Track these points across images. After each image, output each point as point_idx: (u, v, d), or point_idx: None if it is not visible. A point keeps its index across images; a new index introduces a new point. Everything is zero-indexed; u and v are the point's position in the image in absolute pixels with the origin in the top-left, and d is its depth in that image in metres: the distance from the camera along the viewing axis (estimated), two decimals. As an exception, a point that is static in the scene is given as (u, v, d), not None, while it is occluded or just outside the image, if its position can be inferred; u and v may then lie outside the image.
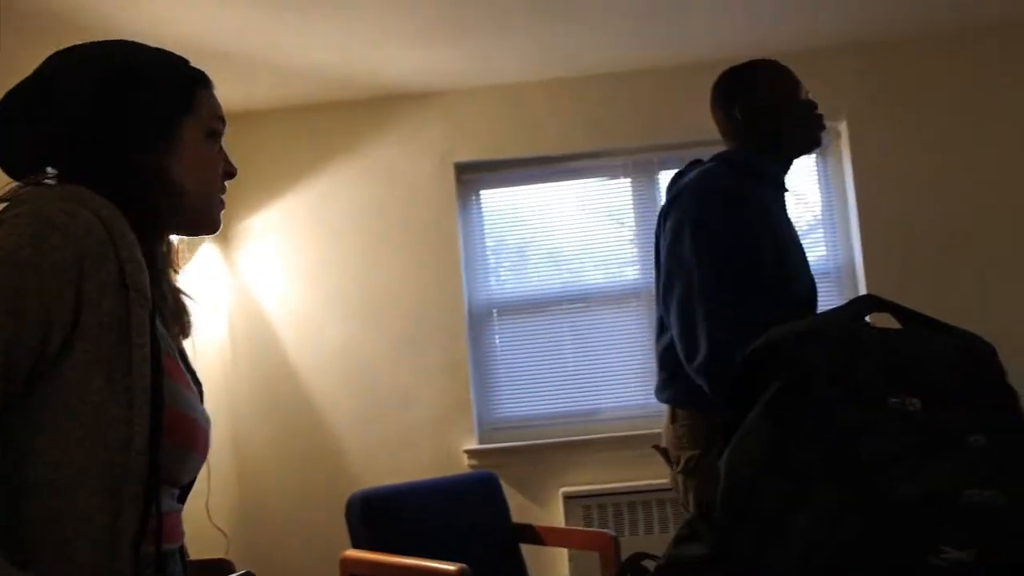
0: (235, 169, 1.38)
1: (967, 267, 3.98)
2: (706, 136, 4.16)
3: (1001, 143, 4.06)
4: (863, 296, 1.44)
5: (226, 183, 1.38)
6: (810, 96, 2.33)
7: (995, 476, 1.19)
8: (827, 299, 4.17)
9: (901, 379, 1.26)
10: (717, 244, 2.13)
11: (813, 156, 4.28)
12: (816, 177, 4.29)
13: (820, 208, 4.26)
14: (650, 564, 1.39)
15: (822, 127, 2.32)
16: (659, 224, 2.33)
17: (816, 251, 4.24)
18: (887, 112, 4.10)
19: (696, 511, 1.31)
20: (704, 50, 4.07)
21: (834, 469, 1.23)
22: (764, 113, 2.29)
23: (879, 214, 4.05)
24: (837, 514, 1.20)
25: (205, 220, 1.36)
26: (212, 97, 1.36)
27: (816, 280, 2.34)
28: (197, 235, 1.39)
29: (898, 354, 1.28)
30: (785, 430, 1.27)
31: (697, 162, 2.37)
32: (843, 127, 4.17)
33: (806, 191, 4.28)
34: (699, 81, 4.14)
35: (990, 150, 4.05)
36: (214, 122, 1.35)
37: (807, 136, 2.32)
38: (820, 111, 2.32)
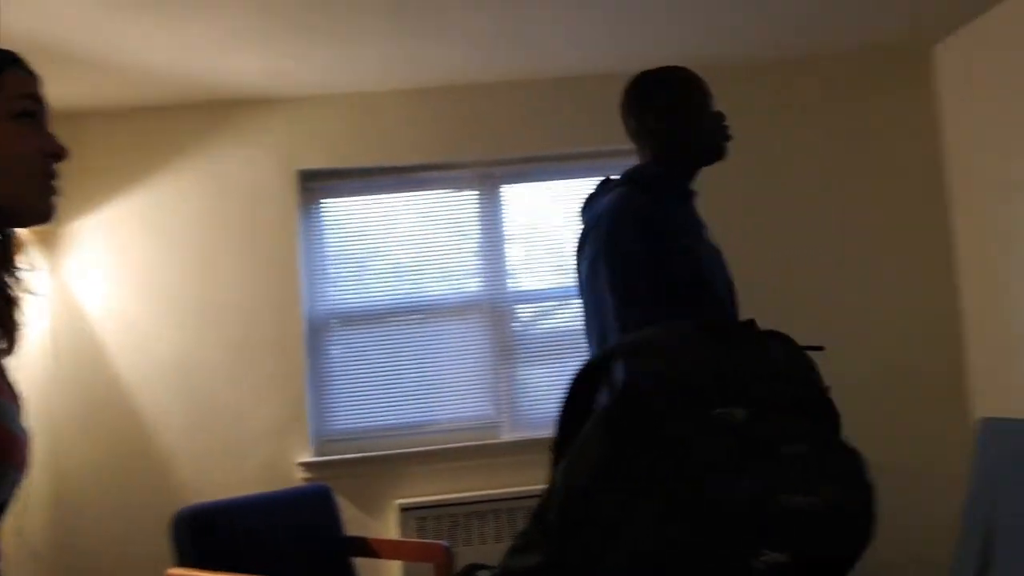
0: (62, 149, 1.27)
1: (801, 277, 4.19)
2: (552, 151, 4.32)
3: (825, 163, 4.30)
4: (687, 318, 1.50)
5: (58, 168, 1.28)
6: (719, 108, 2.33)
7: (810, 483, 1.26)
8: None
9: (727, 391, 1.31)
10: (634, 272, 2.10)
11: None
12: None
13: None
14: (485, 574, 1.39)
15: (729, 139, 2.31)
16: (578, 250, 2.28)
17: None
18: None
19: (532, 521, 1.32)
20: (553, 67, 4.15)
21: (663, 477, 1.26)
22: (678, 121, 2.27)
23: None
24: (665, 521, 1.24)
25: (26, 207, 1.25)
26: (23, 76, 1.27)
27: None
28: (26, 225, 1.28)
29: (726, 367, 1.33)
30: (618, 440, 1.30)
31: (607, 182, 2.33)
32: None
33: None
34: (547, 96, 4.30)
35: (818, 173, 4.29)
36: (24, 102, 1.26)
37: (717, 147, 2.30)
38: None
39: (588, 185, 4.48)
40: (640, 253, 2.09)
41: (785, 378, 1.39)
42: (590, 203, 2.31)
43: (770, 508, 1.22)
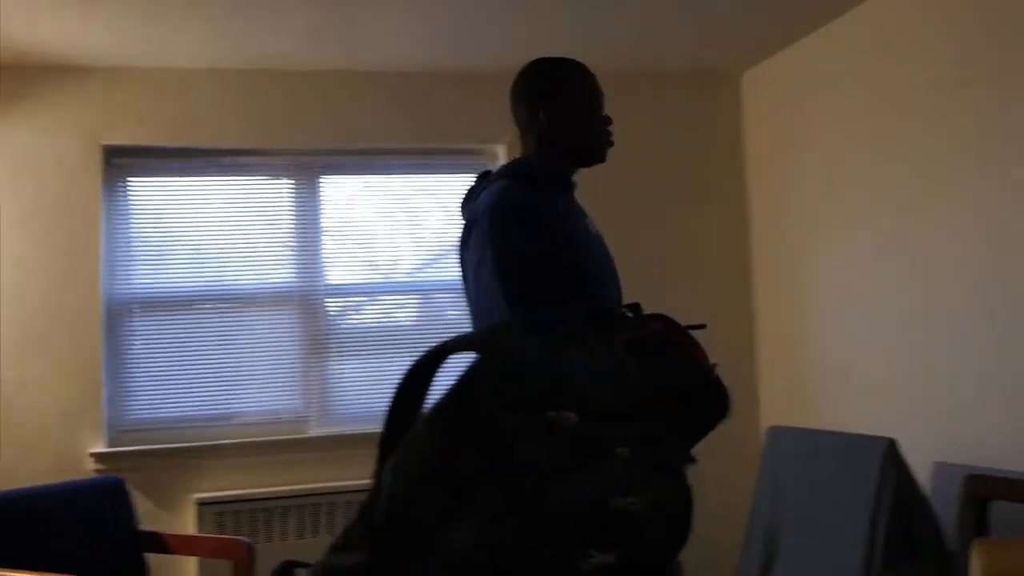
0: None
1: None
2: (373, 145, 4.27)
3: (639, 179, 4.45)
4: (539, 313, 1.51)
5: None
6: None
7: (636, 486, 1.29)
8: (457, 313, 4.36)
9: (560, 394, 1.32)
10: (520, 268, 2.05)
11: (473, 174, 4.45)
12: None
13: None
14: (303, 573, 1.34)
15: (612, 144, 2.27)
16: (461, 246, 2.21)
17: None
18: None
19: (356, 518, 1.29)
20: (377, 60, 4.10)
21: (494, 477, 1.26)
22: (571, 120, 2.21)
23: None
24: (494, 521, 1.23)
25: None
26: None
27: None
28: None
29: (559, 369, 1.34)
30: (451, 438, 1.28)
31: (486, 175, 2.25)
32: (501, 150, 4.37)
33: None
34: (372, 89, 4.25)
35: (632, 185, 4.43)
36: None
37: (601, 152, 2.25)
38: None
39: (405, 181, 4.52)
40: (524, 248, 2.05)
41: (614, 383, 1.42)
42: (470, 198, 2.24)
43: (600, 510, 1.23)
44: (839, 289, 3.89)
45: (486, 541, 1.23)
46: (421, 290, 4.38)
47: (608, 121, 2.25)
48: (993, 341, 3.08)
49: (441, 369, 1.40)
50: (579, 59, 2.30)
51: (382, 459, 1.35)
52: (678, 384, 2.00)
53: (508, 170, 2.21)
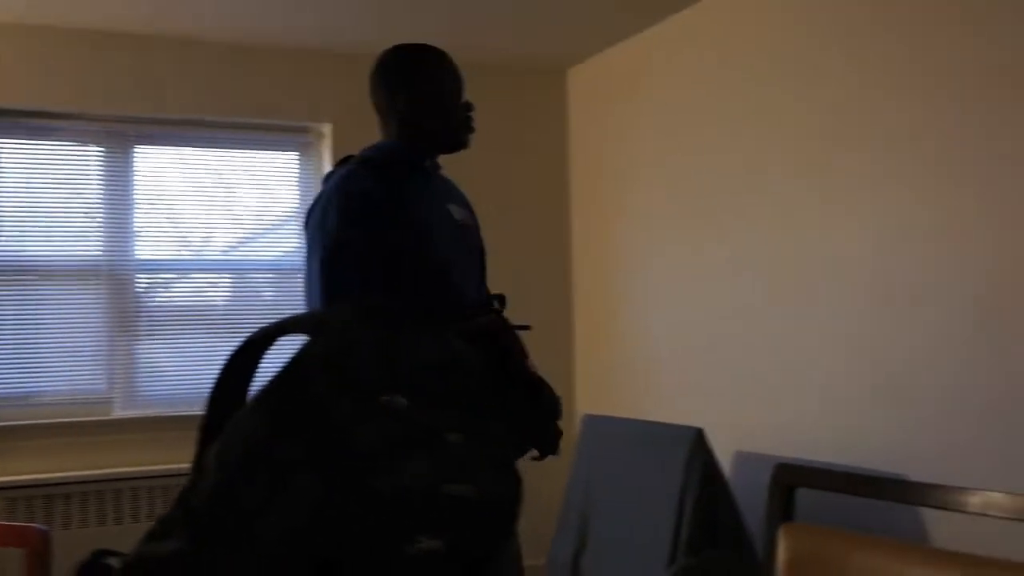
0: None
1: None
2: (191, 116, 4.08)
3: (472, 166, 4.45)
4: (374, 298, 1.48)
5: None
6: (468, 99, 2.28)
7: (468, 471, 1.29)
8: (294, 294, 4.27)
9: (393, 379, 1.31)
10: (344, 253, 2.03)
11: (296, 154, 4.34)
12: (296, 176, 4.34)
13: (298, 205, 4.31)
14: (115, 562, 1.27)
15: (473, 131, 2.27)
16: (304, 226, 2.17)
17: (287, 247, 4.29)
18: (371, 119, 4.27)
19: (174, 505, 1.23)
20: (200, 28, 3.93)
21: (320, 462, 1.23)
22: (431, 107, 2.20)
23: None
24: (318, 507, 1.20)
25: None
26: None
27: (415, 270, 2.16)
28: None
29: (391, 354, 1.33)
30: (277, 421, 1.24)
31: (347, 159, 2.21)
32: (327, 129, 4.28)
33: (282, 189, 4.31)
34: (189, 58, 4.06)
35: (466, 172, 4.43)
36: None
37: (461, 140, 2.25)
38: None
39: (223, 156, 4.32)
40: (350, 233, 2.03)
41: (445, 369, 1.41)
42: (327, 180, 2.21)
43: (431, 495, 1.23)
44: (654, 284, 4.04)
45: (309, 527, 1.21)
46: (236, 269, 4.25)
47: (469, 107, 2.26)
48: (791, 337, 3.28)
49: (270, 350, 1.36)
50: (402, 43, 2.30)
51: (204, 443, 1.30)
52: (499, 381, 2.02)
53: (362, 155, 2.20)
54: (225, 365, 1.36)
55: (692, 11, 3.82)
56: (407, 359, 1.35)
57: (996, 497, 1.25)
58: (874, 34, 2.99)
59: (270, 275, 4.30)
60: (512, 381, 2.12)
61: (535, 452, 2.19)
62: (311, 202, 2.18)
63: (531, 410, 2.17)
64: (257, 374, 1.35)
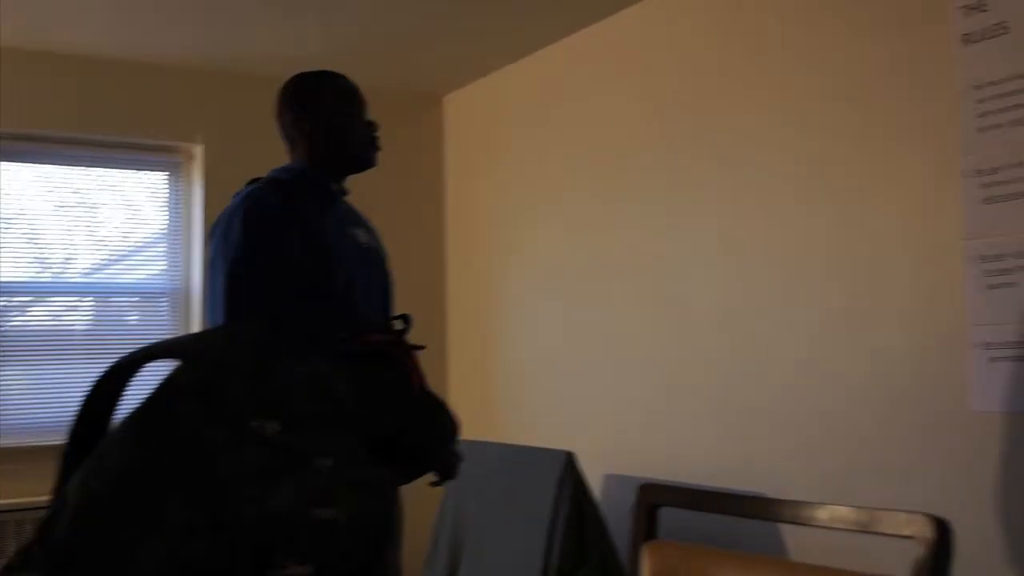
0: None
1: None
2: (53, 133, 3.93)
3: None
4: (246, 322, 1.47)
5: None
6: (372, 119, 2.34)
7: (336, 496, 1.30)
8: (161, 319, 4.16)
9: (263, 404, 1.31)
10: (245, 275, 2.05)
11: (165, 174, 4.24)
12: (165, 197, 4.24)
13: (166, 227, 4.21)
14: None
15: (379, 149, 2.34)
16: (208, 242, 2.19)
17: (153, 269, 4.18)
18: (245, 139, 4.22)
19: (34, 536, 1.20)
20: (65, 41, 3.81)
21: (191, 488, 1.22)
22: (334, 129, 2.27)
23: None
24: (188, 533, 1.20)
25: None
26: None
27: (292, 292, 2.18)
28: None
29: (264, 380, 1.33)
30: (147, 449, 1.23)
31: (256, 180, 2.25)
32: (199, 150, 4.20)
33: (150, 210, 4.21)
34: (52, 71, 3.92)
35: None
36: None
37: (367, 158, 2.32)
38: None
39: (86, 174, 4.12)
40: (254, 253, 2.06)
41: (316, 394, 1.42)
42: (236, 198, 2.22)
43: (299, 520, 1.24)
44: (525, 310, 4.11)
45: (177, 556, 1.20)
46: (99, 292, 4.12)
47: (373, 126, 2.34)
48: (655, 362, 3.39)
49: (136, 377, 1.34)
50: (271, 65, 2.38)
51: (66, 473, 1.27)
52: (390, 402, 2.04)
53: (270, 175, 2.25)
54: (89, 392, 1.33)
55: (563, 44, 3.92)
56: (278, 384, 1.35)
57: (841, 511, 1.34)
58: (731, 67, 3.14)
59: (135, 298, 4.18)
60: (409, 402, 2.16)
61: (433, 477, 2.22)
62: (216, 219, 2.20)
63: (428, 433, 2.21)
64: (122, 401, 1.33)
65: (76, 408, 1.29)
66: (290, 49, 3.93)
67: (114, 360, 1.36)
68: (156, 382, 1.30)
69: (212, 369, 1.28)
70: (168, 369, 1.32)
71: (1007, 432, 2.38)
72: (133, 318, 4.21)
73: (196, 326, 4.11)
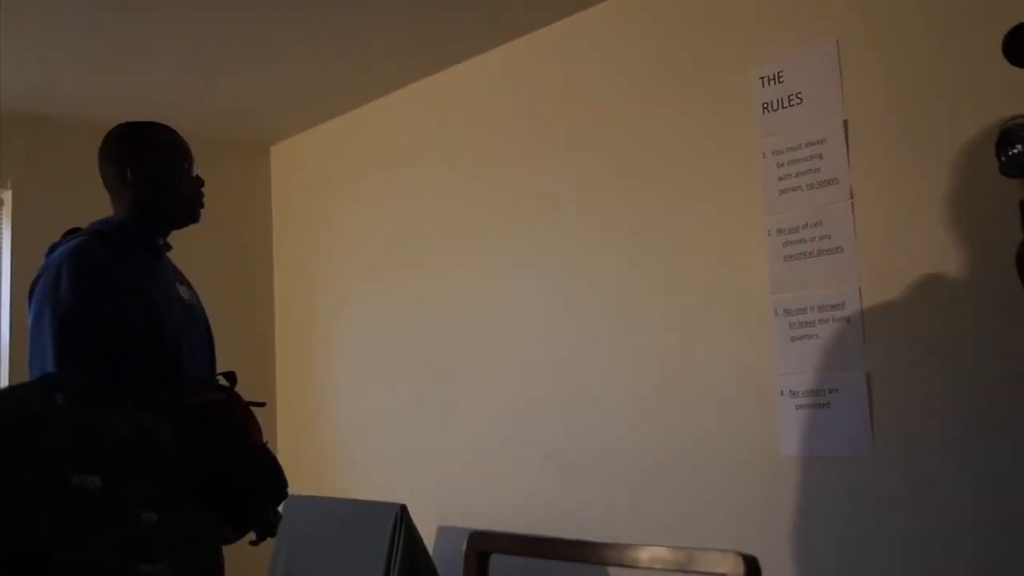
0: None
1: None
2: None
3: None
4: (48, 373, 1.42)
5: None
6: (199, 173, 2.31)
7: (163, 551, 1.27)
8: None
9: (82, 457, 1.28)
10: (75, 327, 2.01)
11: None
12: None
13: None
14: None
15: (203, 205, 2.32)
16: (29, 296, 2.12)
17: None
18: (56, 185, 4.05)
19: None
20: None
21: (5, 544, 1.18)
22: (159, 181, 2.23)
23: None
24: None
25: None
26: None
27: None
28: None
29: (82, 431, 1.30)
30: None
31: (74, 231, 2.18)
32: (7, 195, 4.01)
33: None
34: None
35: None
36: None
37: (193, 213, 2.30)
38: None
39: None
40: (84, 307, 2.03)
41: (139, 445, 1.39)
42: (52, 251, 2.16)
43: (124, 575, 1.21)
44: (354, 362, 4.09)
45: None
46: None
47: (200, 182, 2.32)
48: (480, 414, 3.45)
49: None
50: (87, 109, 2.36)
51: None
52: (224, 459, 2.01)
53: (91, 227, 2.21)
54: None
55: (389, 98, 3.99)
56: (99, 437, 1.32)
57: (660, 551, 1.41)
58: (550, 127, 3.28)
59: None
60: (248, 457, 2.13)
61: (252, 536, 2.17)
62: (35, 273, 2.15)
63: (264, 489, 2.18)
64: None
65: None
66: (109, 93, 3.82)
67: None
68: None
69: (26, 417, 1.24)
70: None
71: (812, 475, 2.55)
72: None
73: (4, 378, 3.88)
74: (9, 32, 3.21)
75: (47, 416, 1.28)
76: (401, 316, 3.89)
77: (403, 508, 3.12)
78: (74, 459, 1.29)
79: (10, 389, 1.37)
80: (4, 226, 4.01)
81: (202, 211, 2.35)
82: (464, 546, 1.61)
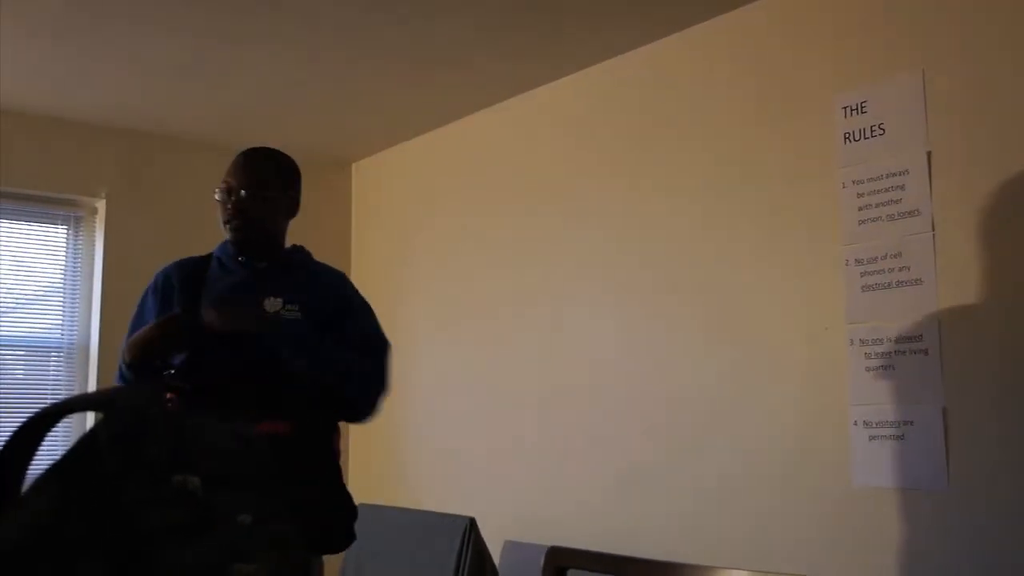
0: None
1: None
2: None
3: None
4: (161, 377, 1.46)
5: None
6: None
7: (257, 552, 1.29)
8: (51, 373, 4.02)
9: (184, 459, 1.30)
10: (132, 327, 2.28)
11: (64, 227, 4.14)
12: (63, 250, 4.13)
13: (61, 280, 4.10)
14: None
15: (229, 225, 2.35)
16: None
17: (46, 323, 4.05)
18: (146, 196, 4.16)
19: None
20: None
21: (107, 542, 1.20)
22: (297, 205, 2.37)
23: (124, 295, 4.05)
24: (104, 587, 1.18)
25: None
26: None
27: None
28: None
29: (184, 435, 1.32)
30: (64, 501, 1.21)
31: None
32: (100, 204, 4.12)
33: (46, 263, 4.09)
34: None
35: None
36: None
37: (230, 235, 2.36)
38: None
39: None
40: (141, 309, 2.23)
41: (236, 452, 1.42)
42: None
43: (222, 574, 1.23)
44: (431, 377, 4.11)
45: (91, 611, 1.17)
46: (-15, 345, 3.97)
47: (221, 206, 2.36)
48: (555, 434, 3.44)
49: (53, 429, 1.32)
50: (178, 125, 2.41)
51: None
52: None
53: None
54: (7, 444, 1.30)
55: (468, 120, 4.02)
56: (200, 441, 1.35)
57: (740, 575, 1.40)
58: (645, 151, 3.28)
59: (20, 352, 4.03)
60: (328, 475, 2.16)
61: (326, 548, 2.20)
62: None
63: (335, 506, 2.21)
64: (37, 453, 1.31)
65: (-7, 458, 1.25)
66: (198, 110, 3.92)
67: (32, 412, 1.33)
68: (77, 435, 1.28)
69: (133, 422, 1.27)
70: (98, 421, 1.31)
71: (884, 507, 2.50)
72: (20, 373, 4.05)
73: (93, 381, 3.99)
74: (105, 53, 3.31)
75: (150, 417, 1.31)
76: (474, 334, 3.90)
77: (472, 521, 3.13)
78: (174, 461, 1.31)
79: (114, 390, 1.41)
80: (98, 232, 4.13)
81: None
82: (541, 561, 1.61)
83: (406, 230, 4.39)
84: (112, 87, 3.69)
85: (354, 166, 4.79)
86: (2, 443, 1.30)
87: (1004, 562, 2.26)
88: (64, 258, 4.13)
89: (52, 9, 2.98)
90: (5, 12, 2.99)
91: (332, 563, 3.67)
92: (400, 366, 4.35)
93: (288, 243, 2.40)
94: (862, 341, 2.59)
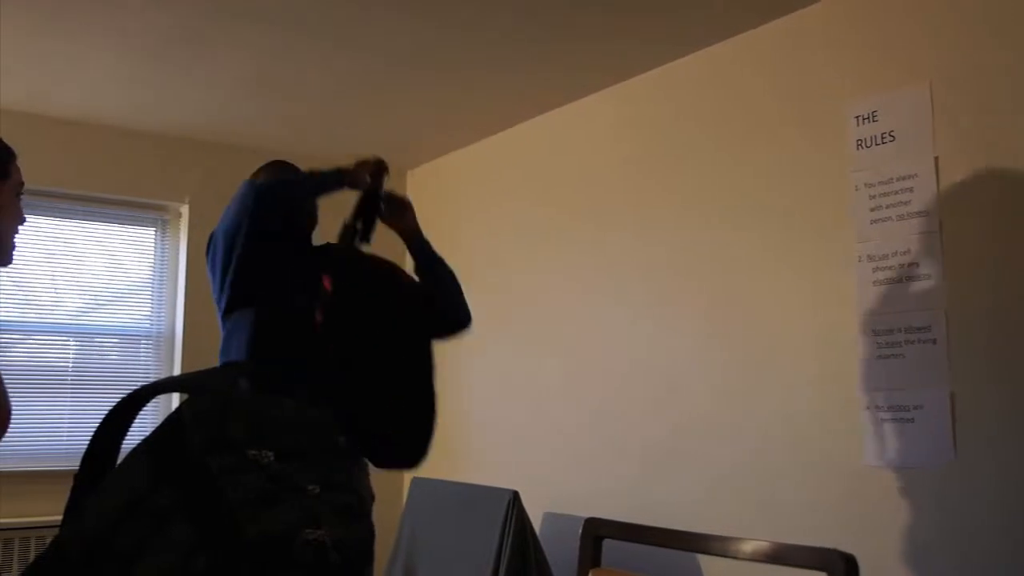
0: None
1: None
2: (53, 188, 3.88)
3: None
4: (239, 362, 1.47)
5: None
6: None
7: (324, 519, 1.31)
8: (140, 359, 4.09)
9: (259, 435, 1.32)
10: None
11: (153, 229, 4.21)
12: (152, 250, 4.21)
13: (150, 277, 4.17)
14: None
15: None
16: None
17: (136, 314, 4.13)
18: (225, 202, 4.20)
19: (50, 550, 1.19)
20: (70, 106, 3.79)
21: (194, 510, 1.23)
22: None
23: (204, 290, 4.10)
24: (188, 552, 1.20)
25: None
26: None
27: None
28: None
29: (259, 413, 1.34)
30: (156, 471, 1.23)
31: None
32: (184, 209, 4.19)
33: (136, 261, 4.17)
34: (41, 134, 3.88)
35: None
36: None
37: None
38: None
39: (83, 227, 4.06)
40: None
41: (306, 428, 1.44)
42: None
43: (293, 540, 1.24)
44: (486, 369, 4.11)
45: (179, 570, 1.19)
46: (84, 333, 4.04)
47: None
48: (594, 412, 3.43)
49: (144, 408, 1.35)
50: (251, 137, 2.43)
51: (79, 493, 1.26)
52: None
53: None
54: (104, 420, 1.33)
55: (524, 126, 4.01)
56: (272, 418, 1.37)
57: (762, 545, 1.38)
58: (655, 160, 3.25)
59: (116, 340, 4.12)
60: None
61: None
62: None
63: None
64: (129, 430, 1.33)
65: (93, 434, 1.28)
66: (269, 124, 3.96)
67: (125, 393, 1.36)
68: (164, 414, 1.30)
69: (216, 402, 1.29)
70: (182, 401, 1.33)
71: (894, 484, 2.46)
72: (114, 358, 4.13)
73: (178, 365, 4.06)
74: (190, 74, 3.36)
75: (228, 399, 1.33)
76: (521, 321, 3.91)
77: (515, 494, 3.13)
78: (251, 437, 1.33)
79: (199, 373, 1.43)
80: (182, 234, 4.20)
81: None
82: (580, 530, 1.60)
83: (460, 235, 4.40)
84: (195, 105, 3.75)
85: (409, 173, 4.81)
86: (101, 419, 1.33)
87: (1008, 536, 2.22)
88: (153, 256, 4.20)
89: (146, 36, 3.03)
90: (113, 44, 3.06)
91: (388, 531, 3.71)
92: (455, 357, 4.38)
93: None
94: (874, 331, 2.55)
